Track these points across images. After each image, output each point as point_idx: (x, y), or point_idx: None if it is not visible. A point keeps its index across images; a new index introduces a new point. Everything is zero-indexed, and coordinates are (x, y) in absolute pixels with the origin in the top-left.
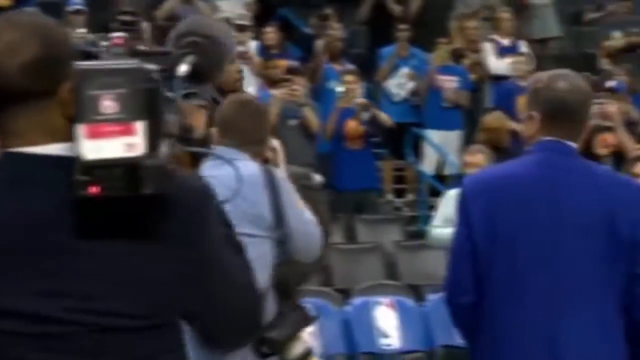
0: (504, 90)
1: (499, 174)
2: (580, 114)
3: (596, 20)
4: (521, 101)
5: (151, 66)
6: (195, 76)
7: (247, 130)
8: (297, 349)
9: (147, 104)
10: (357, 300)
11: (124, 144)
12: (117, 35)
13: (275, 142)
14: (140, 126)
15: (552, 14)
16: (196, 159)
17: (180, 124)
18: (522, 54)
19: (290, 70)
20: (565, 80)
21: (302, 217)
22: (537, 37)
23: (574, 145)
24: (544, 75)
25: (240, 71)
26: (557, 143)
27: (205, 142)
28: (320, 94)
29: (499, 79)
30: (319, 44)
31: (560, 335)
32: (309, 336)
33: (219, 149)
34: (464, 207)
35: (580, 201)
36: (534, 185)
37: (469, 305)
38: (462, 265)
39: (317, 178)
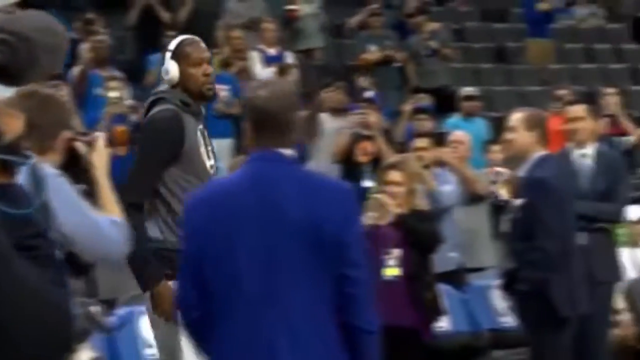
0: None
1: (217, 188)
2: (285, 120)
3: (354, 33)
4: None
5: None
6: (3, 75)
7: (31, 124)
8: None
9: None
10: (122, 311)
11: None
12: None
13: (99, 137)
14: None
15: (316, 25)
16: (8, 166)
17: None
18: (287, 64)
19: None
20: (266, 88)
21: (84, 219)
22: (303, 47)
23: (285, 151)
24: (250, 85)
25: (207, 74)
26: (266, 152)
27: (13, 147)
28: (86, 101)
29: None
30: (84, 49)
31: (279, 339)
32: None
33: None
34: (185, 222)
35: (289, 207)
36: (246, 196)
37: (197, 320)
38: (186, 281)
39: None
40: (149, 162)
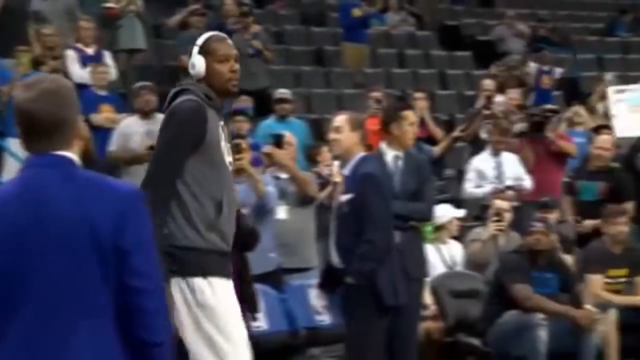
0: (84, 99)
1: None
2: (54, 121)
3: (175, 33)
4: (103, 109)
5: None
6: None
7: None
8: None
9: None
10: None
11: None
12: None
13: None
14: None
15: (139, 25)
16: None
17: None
18: (104, 64)
19: None
20: (29, 89)
21: None
22: (124, 47)
23: (62, 153)
24: (16, 86)
25: (233, 71)
26: (38, 156)
27: None
28: None
29: (83, 87)
30: None
31: (51, 357)
32: None
33: None
34: None
35: (62, 214)
36: (15, 205)
37: None
38: None
39: None
40: (172, 150)
